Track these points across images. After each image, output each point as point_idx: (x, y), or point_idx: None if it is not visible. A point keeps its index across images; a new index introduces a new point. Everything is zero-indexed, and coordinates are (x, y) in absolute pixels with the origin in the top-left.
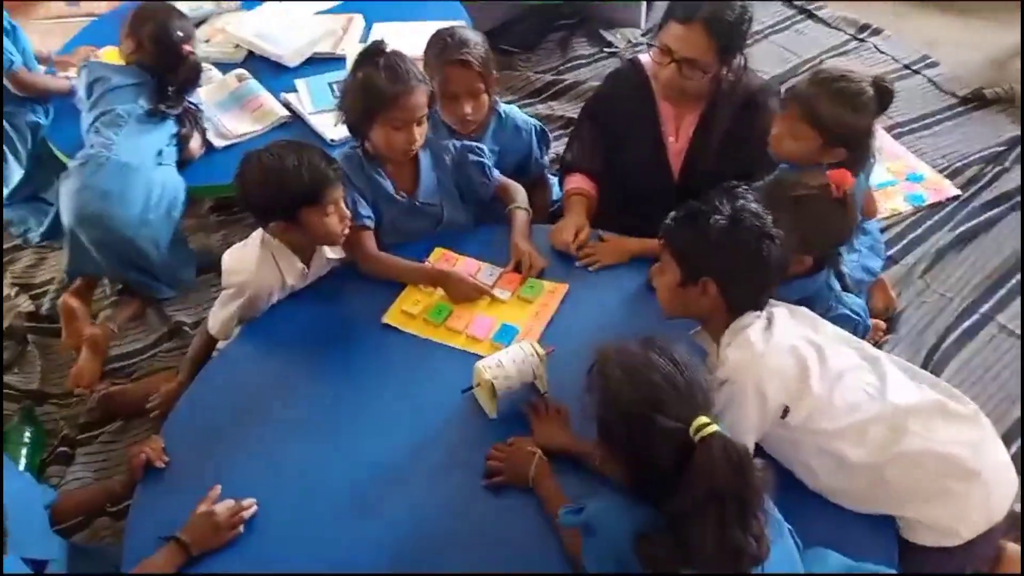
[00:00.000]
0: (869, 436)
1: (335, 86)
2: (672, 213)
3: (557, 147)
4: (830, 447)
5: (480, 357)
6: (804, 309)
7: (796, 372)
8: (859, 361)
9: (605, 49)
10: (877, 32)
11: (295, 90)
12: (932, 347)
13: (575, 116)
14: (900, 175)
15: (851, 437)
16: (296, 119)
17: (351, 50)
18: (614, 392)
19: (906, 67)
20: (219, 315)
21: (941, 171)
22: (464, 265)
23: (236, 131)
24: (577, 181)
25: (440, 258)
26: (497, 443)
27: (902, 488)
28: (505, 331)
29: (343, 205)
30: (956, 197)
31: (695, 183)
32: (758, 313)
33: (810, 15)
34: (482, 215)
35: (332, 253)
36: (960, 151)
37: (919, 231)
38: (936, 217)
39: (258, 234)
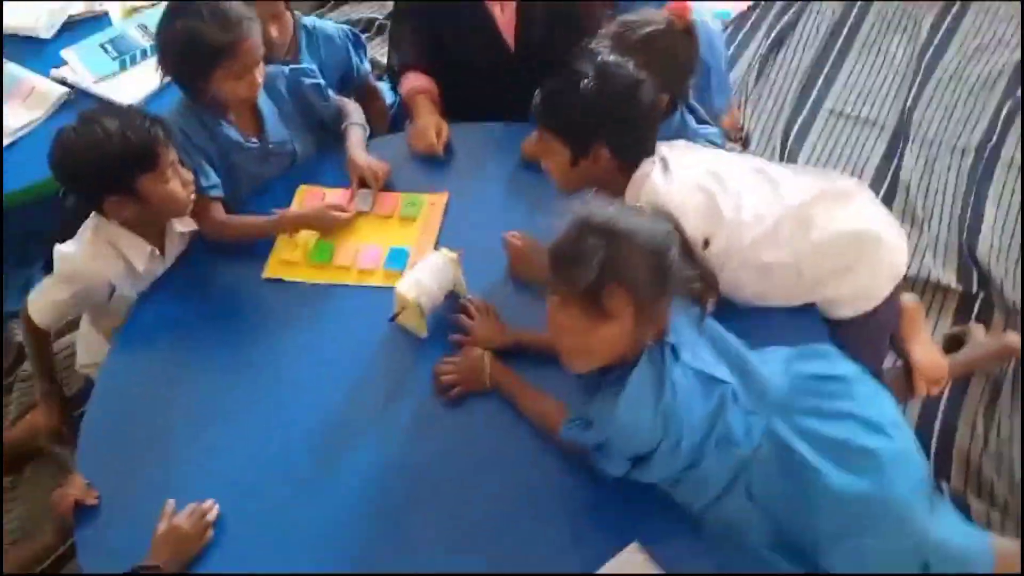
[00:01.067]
0: (781, 237)
1: (108, 47)
2: (536, 93)
3: (371, 51)
4: (750, 258)
5: (376, 288)
6: (683, 141)
7: (705, 203)
8: (750, 175)
9: None
10: None
11: (65, 63)
12: (780, 146)
13: (376, 15)
14: None
15: (766, 243)
16: (79, 94)
17: (110, 4)
18: (647, 263)
19: None
20: (43, 299)
21: None
22: (335, 196)
23: (12, 125)
24: (415, 80)
25: (307, 196)
26: (443, 356)
27: (820, 273)
28: (396, 256)
29: (181, 168)
30: (757, 4)
31: (532, 49)
32: (652, 158)
33: None
34: (327, 139)
35: (183, 226)
36: None
37: (736, 44)
38: (747, 26)
39: (90, 221)
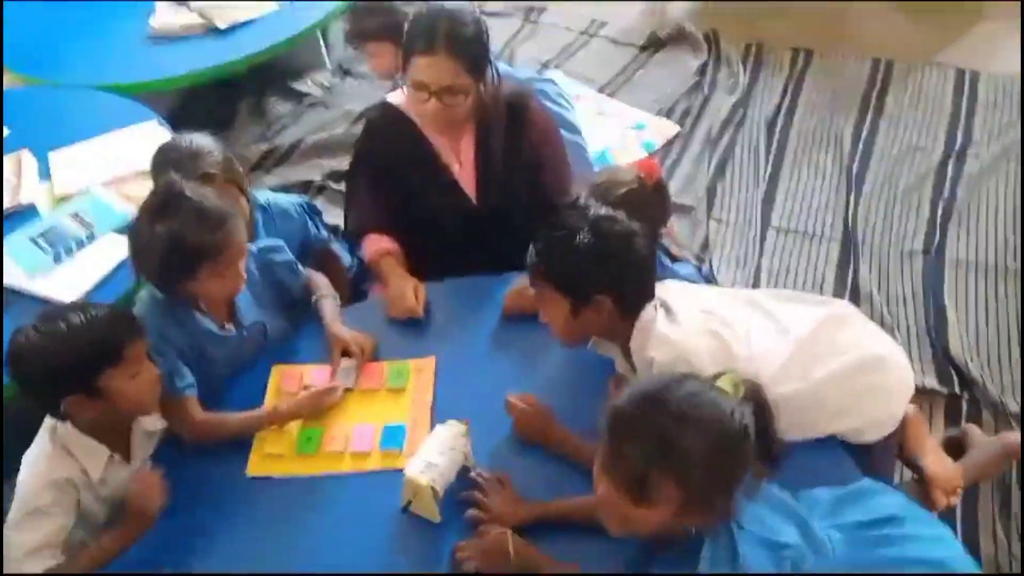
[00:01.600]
0: (793, 372)
1: (39, 240)
2: (531, 250)
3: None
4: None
5: (374, 473)
6: (671, 280)
7: (717, 346)
8: (746, 310)
9: (304, 100)
10: (543, 10)
11: None
12: (741, 265)
13: (313, 177)
14: (624, 127)
15: (779, 379)
16: (15, 296)
17: (36, 195)
18: (707, 451)
19: (583, 33)
20: (22, 542)
21: (657, 114)
22: (315, 375)
23: None
24: (377, 242)
25: (283, 376)
26: (458, 542)
27: (836, 403)
28: (391, 434)
29: (148, 362)
30: (679, 133)
31: (496, 201)
32: (654, 303)
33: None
34: (297, 316)
35: (151, 425)
36: (662, 92)
37: (664, 172)
38: (673, 155)
39: (44, 426)
